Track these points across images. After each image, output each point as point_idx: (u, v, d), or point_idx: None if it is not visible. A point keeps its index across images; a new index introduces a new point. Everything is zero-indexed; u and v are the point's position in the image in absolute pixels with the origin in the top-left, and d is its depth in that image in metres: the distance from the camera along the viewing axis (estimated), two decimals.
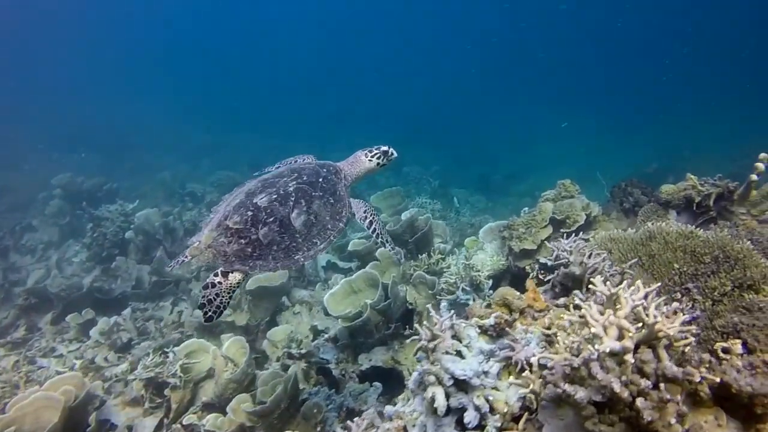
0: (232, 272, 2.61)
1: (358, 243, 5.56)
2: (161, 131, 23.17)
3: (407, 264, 5.23)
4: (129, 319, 6.36)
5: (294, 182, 2.77)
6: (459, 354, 2.56)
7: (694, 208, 3.83)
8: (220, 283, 2.60)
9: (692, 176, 3.90)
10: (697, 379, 1.72)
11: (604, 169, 16.87)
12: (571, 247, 2.99)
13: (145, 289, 7.81)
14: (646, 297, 2.05)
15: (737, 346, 2.27)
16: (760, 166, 3.42)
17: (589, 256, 2.88)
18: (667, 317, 2.16)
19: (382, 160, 3.16)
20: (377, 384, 4.39)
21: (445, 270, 4.87)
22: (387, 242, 3.11)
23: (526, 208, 5.11)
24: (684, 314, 2.74)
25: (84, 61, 39.98)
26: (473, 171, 17.56)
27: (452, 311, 2.70)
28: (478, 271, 4.56)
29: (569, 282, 3.00)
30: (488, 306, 3.08)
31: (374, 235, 3.05)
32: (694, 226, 3.91)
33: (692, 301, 2.74)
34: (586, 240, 4.47)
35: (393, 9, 46.27)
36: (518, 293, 2.96)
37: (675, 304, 2.79)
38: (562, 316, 2.48)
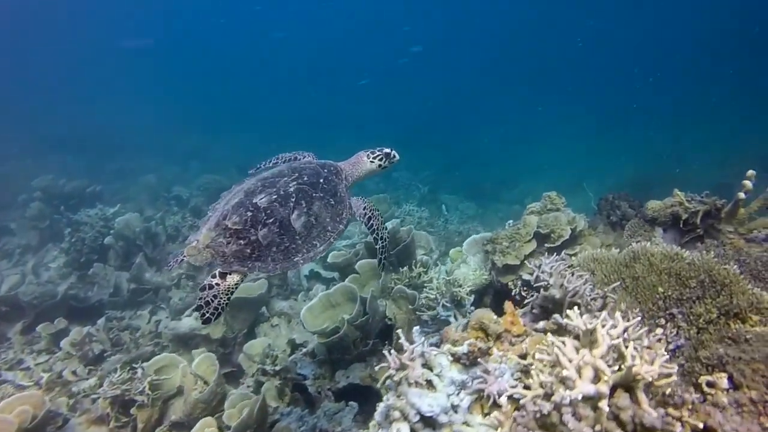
0: (230, 273, 2.55)
1: (338, 255, 5.39)
2: (152, 132, 22.90)
3: (388, 277, 5.08)
4: (103, 330, 6.15)
5: (294, 182, 2.70)
6: (430, 384, 2.41)
7: (681, 225, 3.70)
8: (218, 284, 2.53)
9: (679, 192, 3.77)
10: (678, 430, 1.57)
11: (597, 175, 16.95)
12: (551, 268, 2.84)
13: (124, 297, 7.60)
14: (626, 331, 1.91)
15: (723, 380, 2.14)
16: (748, 184, 3.30)
17: (570, 279, 2.73)
18: (648, 347, 2.02)
19: (384, 162, 3.12)
20: (353, 404, 4.22)
21: (426, 284, 4.71)
22: (381, 239, 3.05)
23: (511, 221, 4.97)
24: (668, 341, 2.62)
25: (73, 62, 39.62)
26: (464, 176, 17.46)
27: (423, 338, 2.54)
28: (460, 286, 4.41)
29: (549, 304, 2.86)
30: (466, 328, 2.94)
31: (370, 232, 3.02)
32: (680, 244, 3.80)
33: (677, 328, 2.60)
34: (570, 256, 4.35)
35: (383, 11, 46.20)
36: (495, 317, 2.81)
37: (659, 331, 2.66)
38: (538, 346, 2.33)
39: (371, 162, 3.10)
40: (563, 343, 1.77)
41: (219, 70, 45.19)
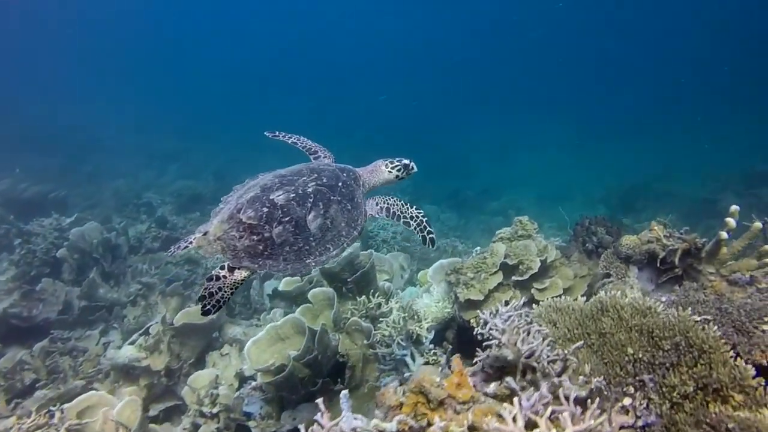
0: (239, 269, 2.49)
1: (289, 282, 4.95)
2: (130, 134, 22.32)
3: (344, 307, 4.65)
4: (39, 355, 5.64)
5: (313, 183, 2.63)
6: None
7: (658, 264, 3.34)
8: (224, 277, 2.48)
9: (656, 226, 3.41)
10: None
11: (582, 186, 16.73)
12: (504, 323, 2.44)
13: (74, 315, 7.10)
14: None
15: None
16: (731, 222, 2.94)
17: (526, 338, 2.33)
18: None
19: (402, 173, 3.05)
20: None
21: (383, 317, 4.29)
22: (411, 218, 2.92)
23: (478, 248, 4.60)
24: (637, 415, 2.23)
25: (52, 59, 38.71)
26: (446, 185, 17.12)
27: (347, 408, 2.13)
28: (419, 321, 4.01)
29: (502, 364, 2.46)
30: (407, 390, 2.53)
31: (397, 220, 2.92)
32: (657, 284, 3.43)
33: (647, 400, 2.22)
34: (539, 290, 3.97)
35: (369, 13, 45.91)
36: (438, 379, 2.40)
37: (626, 401, 2.28)
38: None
39: (389, 172, 3.02)
40: None
41: (205, 72, 44.56)
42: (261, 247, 2.44)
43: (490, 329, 2.48)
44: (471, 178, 18.87)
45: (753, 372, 1.97)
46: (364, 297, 4.58)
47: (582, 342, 2.40)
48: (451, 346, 4.20)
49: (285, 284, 4.97)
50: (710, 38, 35.06)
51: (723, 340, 2.16)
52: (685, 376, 2.12)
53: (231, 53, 47.85)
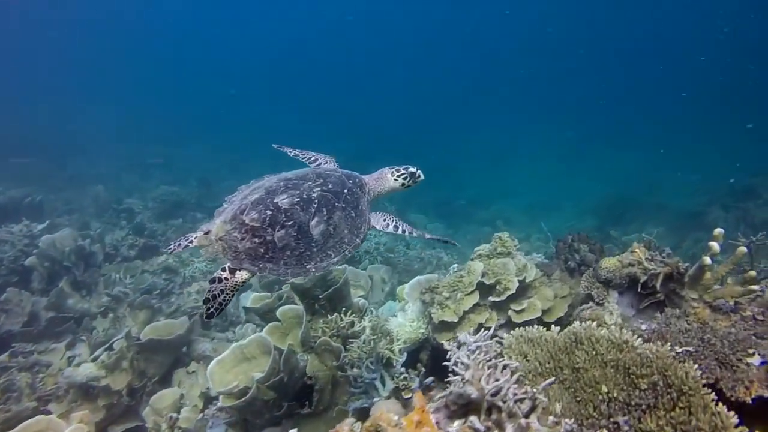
0: (240, 270, 2.47)
1: (258, 298, 4.72)
2: (116, 137, 22.00)
3: (315, 325, 4.42)
4: None
5: (319, 188, 2.63)
6: None
7: (639, 288, 3.16)
8: (226, 279, 2.46)
9: (638, 248, 3.23)
10: None
11: (572, 194, 16.66)
12: (470, 357, 2.25)
13: (40, 327, 6.79)
14: None
15: None
16: (715, 246, 2.78)
17: (492, 375, 2.14)
18: None
19: (408, 181, 3.03)
20: None
21: (355, 337, 4.07)
22: (425, 231, 2.95)
23: (456, 265, 4.40)
24: None
25: (40, 60, 38.25)
26: (436, 194, 16.96)
27: None
28: (390, 343, 3.81)
29: (466, 401, 2.26)
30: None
31: (407, 235, 2.92)
32: (638, 310, 3.26)
33: None
34: (516, 310, 3.79)
35: (362, 16, 45.90)
36: (396, 418, 2.20)
37: None
38: None
39: (395, 180, 3.00)
40: None
41: (197, 75, 44.28)
42: (262, 250, 2.43)
43: (454, 363, 2.29)
44: (461, 187, 18.76)
45: (735, 420, 1.79)
46: (336, 315, 4.36)
47: (552, 379, 2.21)
48: (424, 369, 3.99)
49: (253, 301, 4.73)
50: (708, 46, 35.43)
51: (704, 379, 1.98)
52: (662, 421, 1.93)
53: (224, 57, 47.63)
